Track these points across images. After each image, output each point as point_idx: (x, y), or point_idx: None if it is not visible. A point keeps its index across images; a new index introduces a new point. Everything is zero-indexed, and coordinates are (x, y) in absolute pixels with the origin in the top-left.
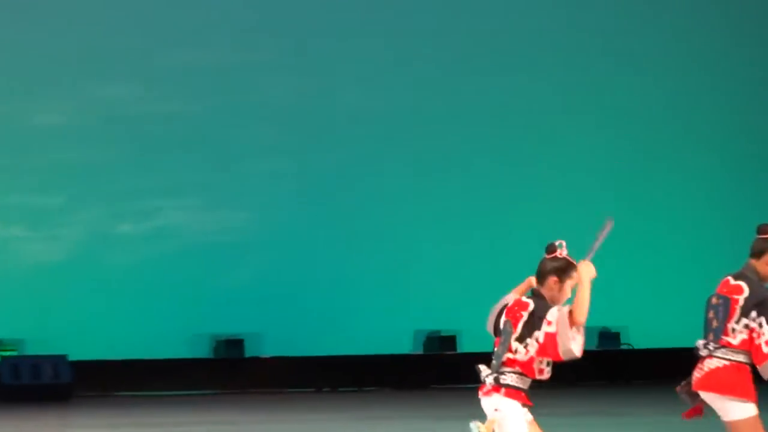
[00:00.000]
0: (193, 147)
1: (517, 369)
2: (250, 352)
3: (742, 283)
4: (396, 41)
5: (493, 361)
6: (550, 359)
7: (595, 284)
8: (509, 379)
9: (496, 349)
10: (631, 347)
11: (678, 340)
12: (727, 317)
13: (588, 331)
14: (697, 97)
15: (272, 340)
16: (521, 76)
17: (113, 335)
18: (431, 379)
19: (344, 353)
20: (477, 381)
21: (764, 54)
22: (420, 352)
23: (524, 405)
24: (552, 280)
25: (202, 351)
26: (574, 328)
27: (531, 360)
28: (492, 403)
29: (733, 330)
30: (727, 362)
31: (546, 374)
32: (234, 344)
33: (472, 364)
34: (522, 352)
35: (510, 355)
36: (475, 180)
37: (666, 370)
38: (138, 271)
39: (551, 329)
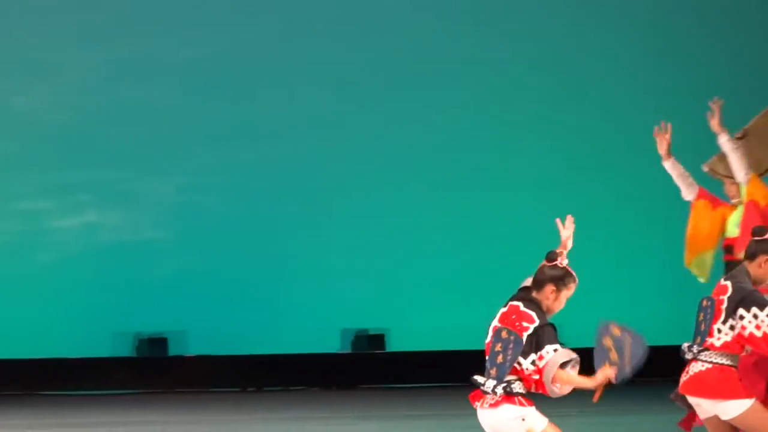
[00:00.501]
0: (115, 141)
1: (519, 377)
2: (173, 350)
3: (728, 283)
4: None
5: (495, 371)
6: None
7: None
8: (518, 387)
9: (491, 357)
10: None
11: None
12: (712, 318)
13: None
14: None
15: (196, 339)
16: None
17: (33, 334)
18: (359, 378)
19: (270, 352)
20: (406, 380)
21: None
22: (348, 350)
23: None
24: (549, 288)
25: (124, 350)
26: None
27: (529, 377)
28: (505, 414)
29: (719, 331)
30: (709, 365)
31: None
32: (157, 343)
33: (400, 363)
34: (526, 367)
35: (517, 366)
36: (405, 174)
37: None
38: (59, 268)
39: (540, 364)
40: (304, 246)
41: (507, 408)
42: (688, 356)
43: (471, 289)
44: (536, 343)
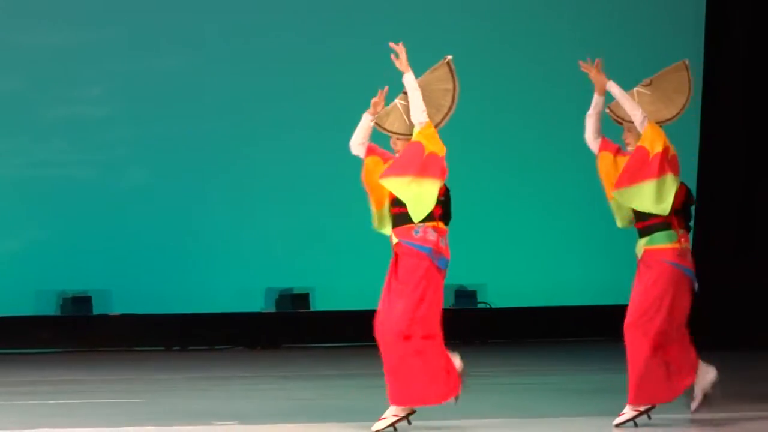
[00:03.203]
0: (40, 89)
1: None
2: (98, 309)
3: None
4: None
5: None
6: None
7: (451, 241)
8: None
9: None
10: (488, 306)
11: (535, 300)
12: None
13: (444, 290)
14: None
15: (121, 298)
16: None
17: None
18: (284, 337)
19: (194, 311)
20: (330, 339)
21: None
22: (272, 310)
23: None
24: None
25: (48, 308)
26: None
27: None
28: None
29: None
30: None
31: None
32: (81, 301)
33: (325, 322)
34: None
35: None
36: (327, 135)
37: (523, 330)
38: None
39: None
40: (229, 205)
41: None
42: None
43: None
44: None
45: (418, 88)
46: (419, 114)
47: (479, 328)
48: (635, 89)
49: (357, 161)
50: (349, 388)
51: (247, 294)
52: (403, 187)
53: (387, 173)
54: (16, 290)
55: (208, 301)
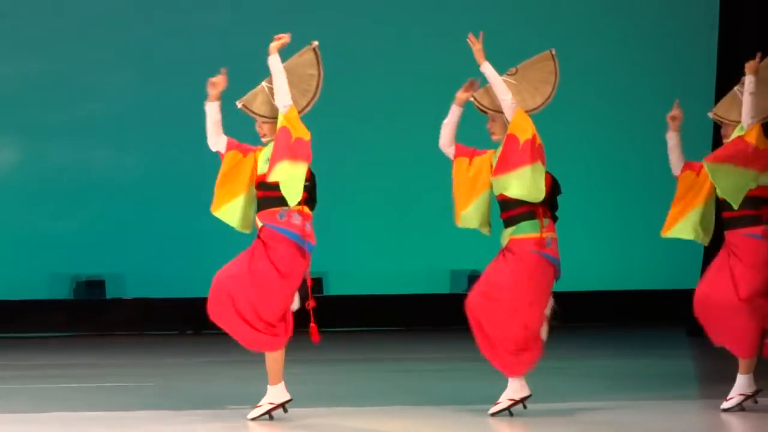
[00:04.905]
0: (67, 77)
1: None
2: (111, 293)
3: None
4: None
5: None
6: None
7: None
8: None
9: None
10: None
11: None
12: None
13: (457, 275)
14: None
15: (134, 281)
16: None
17: None
18: (297, 321)
19: (207, 295)
20: (344, 324)
21: None
22: None
23: None
24: None
25: (61, 292)
26: None
27: None
28: None
29: None
30: None
31: None
32: (95, 285)
33: (338, 306)
34: None
35: None
36: (339, 119)
37: None
38: None
39: None
40: None
41: None
42: None
43: (409, 235)
44: None
45: (283, 72)
46: (283, 96)
47: None
48: (501, 78)
49: (367, 144)
50: (362, 372)
51: None
52: (279, 171)
53: (272, 164)
54: (29, 274)
55: None
